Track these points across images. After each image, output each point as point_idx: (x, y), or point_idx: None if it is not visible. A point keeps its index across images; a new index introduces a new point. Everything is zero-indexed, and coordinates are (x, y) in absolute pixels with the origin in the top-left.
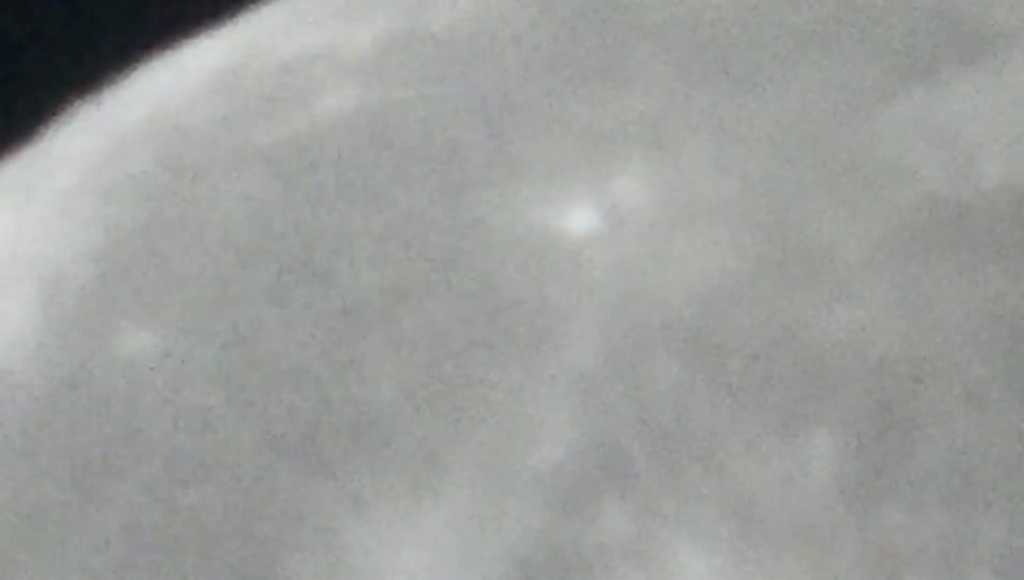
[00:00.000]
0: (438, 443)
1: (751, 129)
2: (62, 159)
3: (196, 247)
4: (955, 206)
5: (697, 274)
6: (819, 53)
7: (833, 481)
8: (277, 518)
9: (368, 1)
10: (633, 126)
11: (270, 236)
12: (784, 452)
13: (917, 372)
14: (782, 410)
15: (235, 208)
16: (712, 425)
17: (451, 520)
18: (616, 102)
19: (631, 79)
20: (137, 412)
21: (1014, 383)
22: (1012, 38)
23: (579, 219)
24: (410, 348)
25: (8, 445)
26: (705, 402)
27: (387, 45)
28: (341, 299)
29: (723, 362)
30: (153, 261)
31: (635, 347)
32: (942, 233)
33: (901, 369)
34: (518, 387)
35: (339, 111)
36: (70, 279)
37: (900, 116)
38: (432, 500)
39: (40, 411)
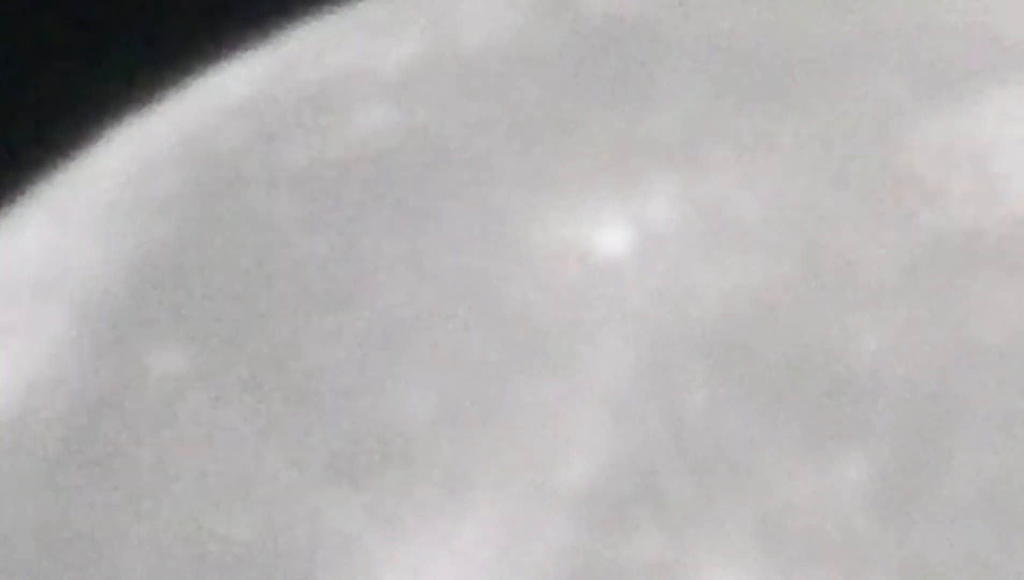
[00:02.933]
0: (470, 461)
1: (781, 148)
2: (96, 178)
3: (229, 266)
4: (985, 227)
5: (728, 292)
6: (850, 72)
7: (864, 499)
8: (309, 536)
9: (400, 22)
10: (664, 145)
11: (302, 255)
12: (815, 470)
13: (947, 391)
14: (813, 428)
15: (267, 228)
16: (743, 443)
17: (483, 537)
18: (647, 121)
19: (662, 98)
20: (168, 430)
21: None
22: None
23: (611, 237)
24: (443, 366)
25: (41, 461)
26: (736, 420)
27: (419, 65)
28: (374, 317)
29: (754, 380)
30: (186, 280)
31: (667, 365)
32: (972, 253)
33: (931, 388)
34: (550, 405)
35: (371, 131)
36: (103, 298)
37: (931, 137)
38: (464, 518)
39: (73, 427)
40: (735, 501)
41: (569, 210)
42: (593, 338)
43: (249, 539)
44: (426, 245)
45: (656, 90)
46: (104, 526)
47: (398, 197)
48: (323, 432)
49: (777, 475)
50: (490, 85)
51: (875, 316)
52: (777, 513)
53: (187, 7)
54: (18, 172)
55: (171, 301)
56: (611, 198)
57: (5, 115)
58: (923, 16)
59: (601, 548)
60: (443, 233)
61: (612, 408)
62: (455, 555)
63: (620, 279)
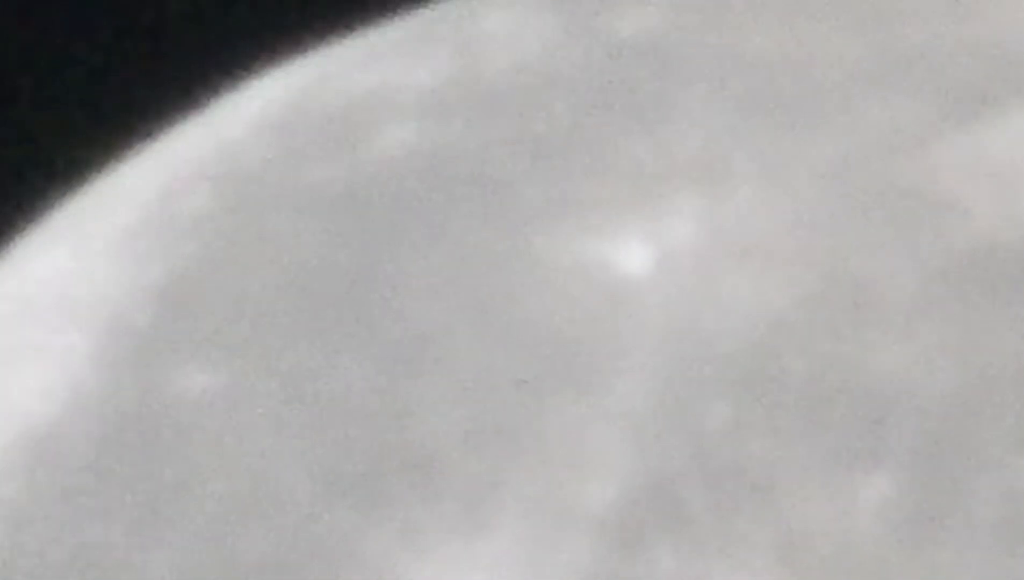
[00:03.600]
0: (492, 480)
1: (803, 167)
2: (120, 197)
3: (253, 286)
4: (1010, 245)
5: (750, 312)
6: (872, 90)
7: (886, 521)
8: (334, 556)
9: (426, 42)
10: (685, 164)
11: (327, 275)
12: (837, 491)
13: (971, 412)
14: (835, 449)
15: (293, 247)
16: (765, 464)
17: (505, 556)
18: (668, 140)
19: (684, 118)
20: (194, 452)
21: None
22: None
23: (631, 257)
24: (466, 385)
25: (65, 484)
26: (758, 440)
27: (444, 85)
28: (397, 337)
29: (776, 400)
30: (211, 300)
31: (688, 385)
32: (996, 272)
33: (955, 408)
34: (571, 424)
35: (397, 150)
36: (128, 318)
37: (955, 154)
38: (487, 536)
39: (97, 450)
40: (756, 522)
41: (591, 229)
42: (615, 357)
43: (274, 558)
44: (450, 264)
45: (679, 110)
46: (129, 546)
47: (423, 216)
48: (347, 451)
49: (798, 496)
50: (515, 105)
51: (897, 336)
52: (798, 534)
53: (212, 27)
54: (43, 191)
55: (196, 320)
56: (633, 217)
57: (30, 133)
58: (945, 36)
59: (622, 568)
60: (467, 252)
61: (633, 428)
62: (478, 574)
63: (642, 299)
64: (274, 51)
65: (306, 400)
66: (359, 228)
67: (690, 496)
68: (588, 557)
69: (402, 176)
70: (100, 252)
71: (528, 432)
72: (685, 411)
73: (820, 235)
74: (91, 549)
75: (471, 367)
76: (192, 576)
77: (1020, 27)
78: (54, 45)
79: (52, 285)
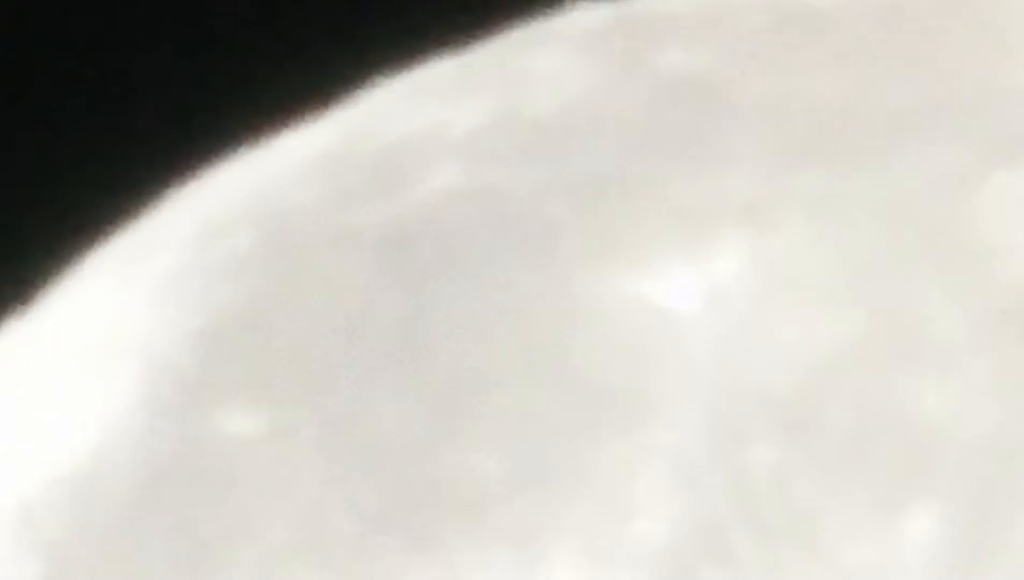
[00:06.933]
0: (540, 519)
1: (849, 208)
2: (164, 239)
3: (298, 327)
4: None
5: (796, 352)
6: (918, 133)
7: (932, 561)
8: None
9: (469, 83)
10: (731, 204)
11: (372, 316)
12: (883, 531)
13: (1016, 451)
14: (881, 489)
15: (337, 288)
16: (811, 503)
17: None
18: (714, 180)
19: (728, 158)
20: (237, 493)
21: None
22: None
23: (678, 297)
24: (512, 425)
25: (107, 525)
26: (804, 480)
27: (489, 126)
28: (443, 377)
29: (822, 440)
30: (255, 341)
31: (734, 425)
32: None
33: (1002, 449)
34: (618, 464)
35: (440, 191)
36: (172, 359)
37: (999, 196)
38: (534, 576)
39: (142, 491)
40: (803, 561)
41: (638, 269)
42: (662, 397)
43: None
44: (496, 305)
45: (725, 150)
46: None
47: (469, 257)
48: (393, 493)
49: (845, 535)
50: (561, 145)
51: (943, 376)
52: (844, 574)
53: (258, 68)
54: (86, 232)
55: (240, 362)
56: (680, 258)
57: (72, 174)
58: (989, 83)
59: None
60: (512, 292)
61: (681, 468)
62: None
63: (689, 339)
64: (320, 92)
65: (351, 442)
66: (404, 269)
67: (737, 536)
68: None
69: (448, 216)
70: (144, 294)
71: (575, 472)
72: (732, 451)
73: (866, 276)
74: None
75: (517, 407)
76: None
77: None
78: (98, 87)
79: (96, 326)
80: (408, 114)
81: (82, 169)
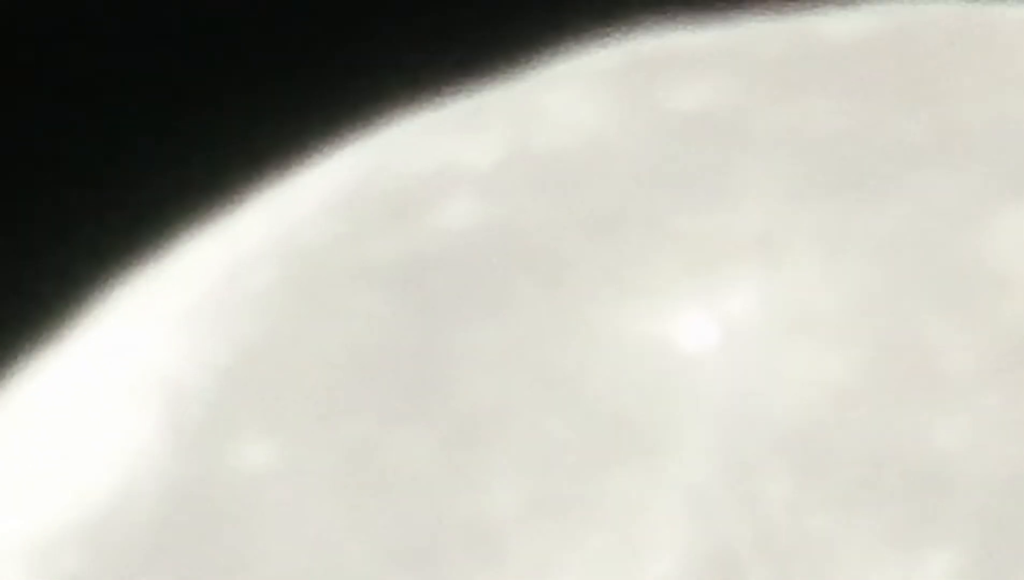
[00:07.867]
0: (554, 552)
1: (861, 242)
2: (185, 274)
3: (317, 362)
4: None
5: (808, 386)
6: (929, 166)
7: None
8: None
9: (485, 119)
10: (743, 239)
11: (389, 350)
12: (897, 566)
13: None
14: (895, 523)
15: (355, 323)
16: (825, 538)
17: None
18: (726, 215)
19: (740, 193)
20: (256, 526)
21: None
22: None
23: (691, 332)
24: (526, 460)
25: (128, 557)
26: (817, 515)
27: (504, 162)
28: (458, 412)
29: (835, 474)
30: (274, 376)
31: (748, 459)
32: None
33: (1015, 483)
34: (633, 497)
35: (458, 226)
36: (192, 394)
37: (1009, 229)
38: None
39: (160, 524)
40: None
41: (650, 304)
42: (676, 430)
43: None
44: (510, 339)
45: (737, 184)
46: None
47: (484, 291)
48: (409, 524)
49: (859, 569)
50: (574, 181)
51: (956, 409)
52: None
53: (274, 106)
54: (108, 269)
55: (260, 396)
56: (693, 292)
57: (93, 211)
58: (1000, 114)
59: None
60: (527, 327)
61: (694, 500)
62: None
63: (702, 372)
64: (337, 129)
65: (368, 474)
66: (420, 304)
67: (751, 569)
68: None
69: (463, 252)
70: (164, 329)
71: (589, 505)
72: (745, 484)
73: (879, 309)
74: None
75: (532, 440)
76: None
77: None
78: (118, 123)
79: (117, 361)
80: (424, 150)
81: (104, 208)
